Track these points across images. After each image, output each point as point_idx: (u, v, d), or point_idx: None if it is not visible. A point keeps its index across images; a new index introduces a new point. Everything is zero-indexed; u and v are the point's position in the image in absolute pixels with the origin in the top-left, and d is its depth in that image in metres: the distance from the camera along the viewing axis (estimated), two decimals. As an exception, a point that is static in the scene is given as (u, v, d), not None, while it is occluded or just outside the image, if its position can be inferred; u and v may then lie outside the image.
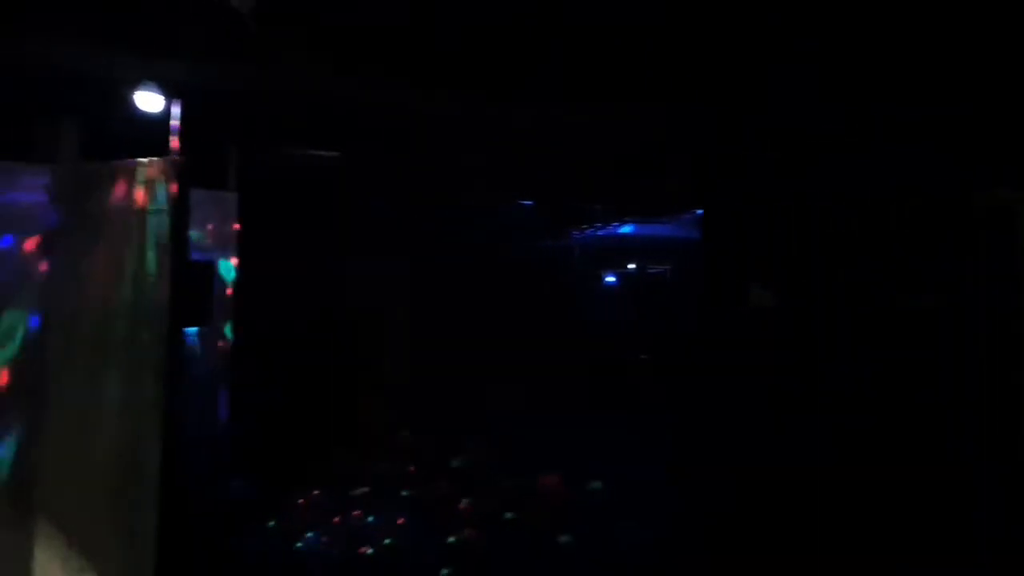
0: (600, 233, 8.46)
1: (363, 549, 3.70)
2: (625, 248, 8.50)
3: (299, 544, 3.81)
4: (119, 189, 2.94)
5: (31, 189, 3.02)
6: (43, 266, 3.05)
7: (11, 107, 3.08)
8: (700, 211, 6.26)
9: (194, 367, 3.45)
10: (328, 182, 5.10)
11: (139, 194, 2.91)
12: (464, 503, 4.44)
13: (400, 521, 4.14)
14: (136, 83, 2.96)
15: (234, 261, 3.75)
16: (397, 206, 5.99)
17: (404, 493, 4.71)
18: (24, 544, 2.96)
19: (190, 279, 2.95)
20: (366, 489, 4.76)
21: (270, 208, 4.19)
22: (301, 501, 4.54)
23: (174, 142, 2.86)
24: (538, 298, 7.37)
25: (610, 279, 8.72)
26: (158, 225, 2.85)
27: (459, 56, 3.62)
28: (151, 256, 2.85)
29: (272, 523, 4.14)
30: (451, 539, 3.77)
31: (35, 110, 3.08)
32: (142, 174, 2.91)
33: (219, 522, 3.73)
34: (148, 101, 3.02)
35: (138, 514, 2.73)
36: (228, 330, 3.76)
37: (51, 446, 2.98)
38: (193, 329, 3.37)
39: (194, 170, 2.92)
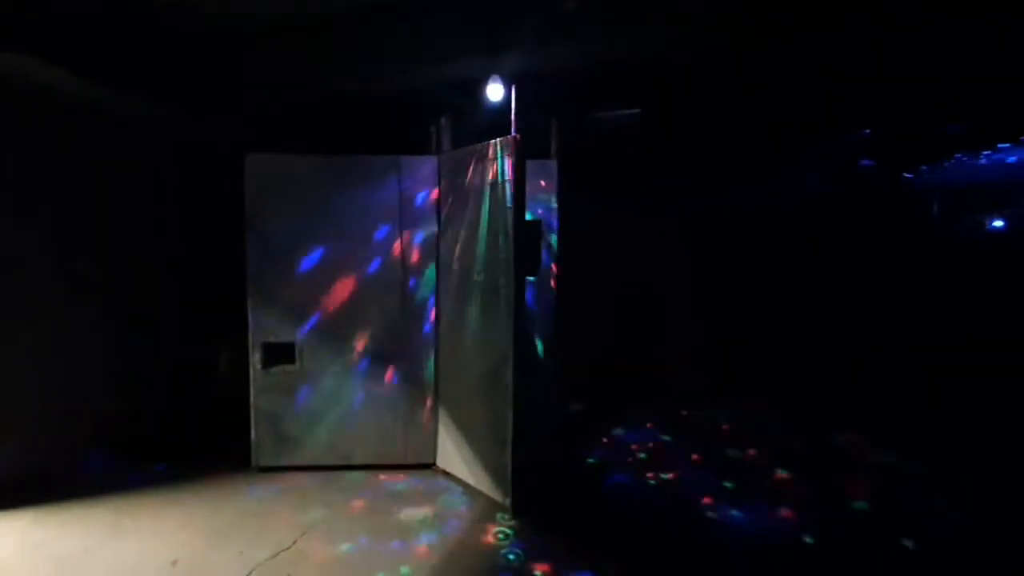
0: (967, 163, 6.36)
1: (672, 494, 3.91)
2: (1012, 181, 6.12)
3: (610, 471, 4.31)
4: (477, 166, 3.79)
5: (426, 175, 4.16)
6: (433, 232, 4.20)
7: (414, 114, 4.28)
8: None
9: (534, 311, 4.25)
10: (635, 139, 5.30)
11: (490, 169, 3.68)
12: (782, 474, 4.19)
13: (714, 479, 4.18)
14: (486, 78, 3.71)
15: (555, 218, 4.39)
16: (703, 153, 5.79)
17: (729, 452, 4.72)
18: (434, 423, 4.27)
19: (527, 236, 3.60)
20: (669, 437, 5.00)
21: (583, 170, 4.66)
22: (611, 434, 5.08)
23: (513, 123, 3.48)
24: (875, 251, 6.11)
25: (996, 224, 6.40)
26: (503, 193, 3.58)
27: None
28: (500, 218, 3.61)
29: (594, 447, 4.79)
30: (770, 510, 3.63)
31: (427, 114, 4.17)
32: (491, 153, 3.68)
33: (551, 434, 4.54)
34: (494, 92, 3.75)
35: (499, 418, 3.61)
36: (551, 278, 4.45)
37: (448, 358, 4.16)
38: (532, 278, 4.12)
39: (528, 144, 3.51)
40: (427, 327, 4.23)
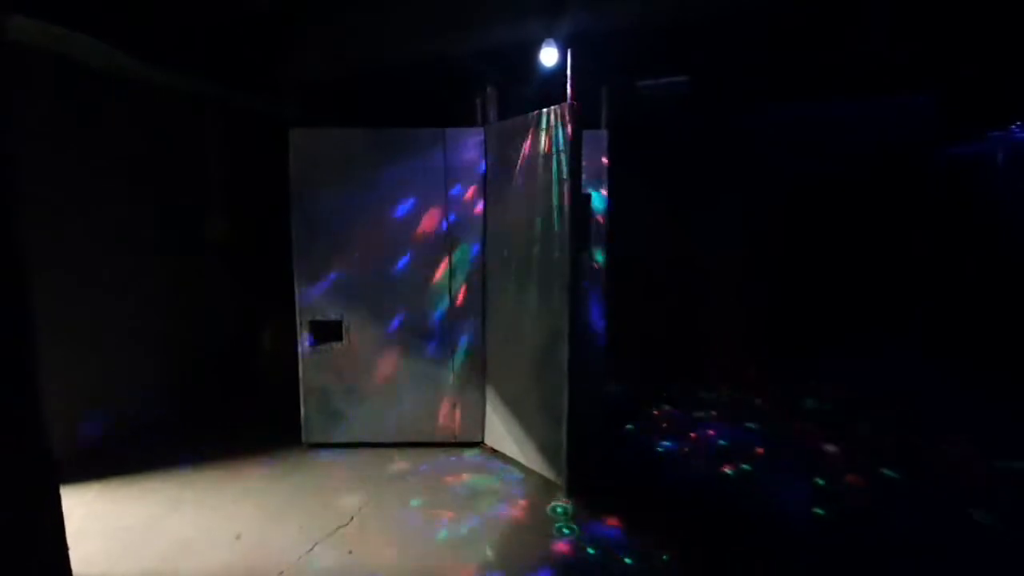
0: None
1: (723, 468, 3.84)
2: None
3: (659, 448, 4.23)
4: (529, 137, 3.65)
5: (472, 147, 4.04)
6: (479, 207, 4.09)
7: (458, 86, 4.15)
8: None
9: (584, 285, 4.13)
10: (688, 107, 5.06)
11: (544, 139, 3.54)
12: (832, 449, 4.09)
13: (760, 451, 4.12)
14: (538, 43, 3.54)
15: (604, 192, 4.24)
16: (759, 116, 5.51)
17: (751, 425, 4.62)
18: (481, 401, 4.22)
19: (583, 209, 3.47)
20: (714, 413, 4.90)
21: (634, 141, 4.47)
22: (656, 412, 4.99)
23: (568, 90, 3.31)
24: (941, 219, 5.80)
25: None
26: (559, 163, 3.44)
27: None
28: (555, 191, 3.48)
29: (635, 425, 4.71)
30: (819, 481, 3.55)
31: (471, 86, 4.04)
32: (544, 122, 3.53)
33: (602, 412, 4.48)
34: (548, 56, 3.58)
35: (553, 395, 3.52)
36: (599, 255, 4.32)
37: (496, 335, 4.09)
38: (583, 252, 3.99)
39: (585, 112, 3.35)
40: (475, 303, 4.16)
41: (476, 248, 4.12)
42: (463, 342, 4.18)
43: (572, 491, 3.48)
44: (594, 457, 3.93)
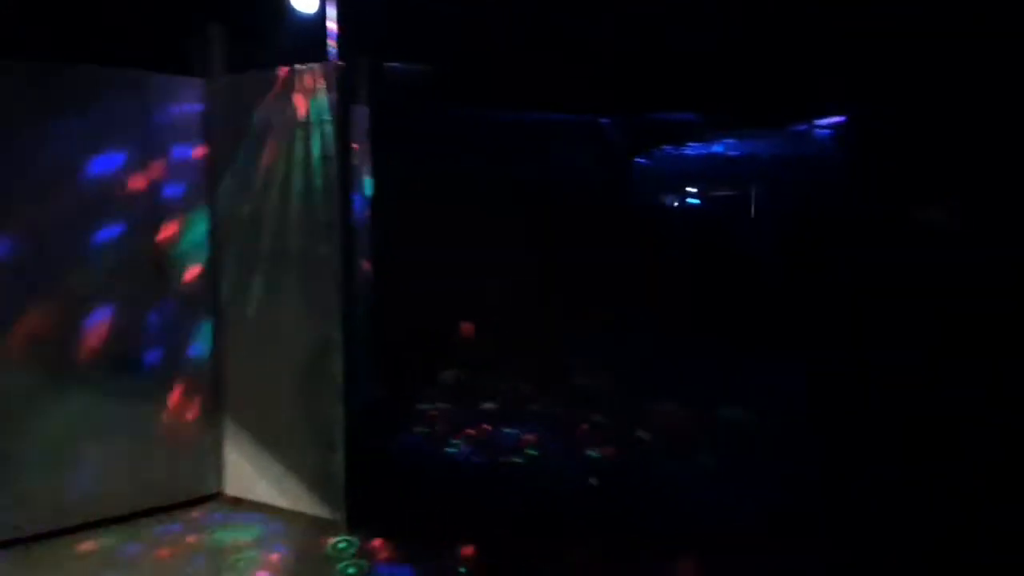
0: (686, 152, 8.03)
1: (506, 458, 3.87)
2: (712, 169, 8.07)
3: (449, 450, 4.03)
4: (277, 99, 2.90)
5: (190, 102, 3.01)
6: (201, 180, 3.10)
7: (164, 20, 3.03)
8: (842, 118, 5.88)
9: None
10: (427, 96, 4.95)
11: (299, 104, 2.86)
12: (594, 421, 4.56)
13: (533, 436, 4.28)
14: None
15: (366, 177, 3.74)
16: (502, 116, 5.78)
17: (532, 408, 4.83)
18: (216, 438, 3.21)
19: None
20: (493, 405, 4.96)
21: (391, 123, 4.08)
22: (433, 412, 4.77)
23: (332, 48, 2.74)
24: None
25: (693, 201, 8.34)
26: (321, 138, 2.82)
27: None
28: (315, 169, 2.85)
29: (412, 429, 4.40)
30: (592, 453, 3.91)
31: (186, 22, 3.00)
32: (299, 82, 2.85)
33: (364, 422, 3.98)
34: (303, 2, 2.90)
35: (323, 417, 2.92)
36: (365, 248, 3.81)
37: (237, 349, 3.15)
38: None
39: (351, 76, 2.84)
40: (196, 311, 3.14)
41: (197, 237, 3.11)
42: (180, 364, 3.11)
43: (355, 526, 2.95)
44: (377, 479, 3.44)
